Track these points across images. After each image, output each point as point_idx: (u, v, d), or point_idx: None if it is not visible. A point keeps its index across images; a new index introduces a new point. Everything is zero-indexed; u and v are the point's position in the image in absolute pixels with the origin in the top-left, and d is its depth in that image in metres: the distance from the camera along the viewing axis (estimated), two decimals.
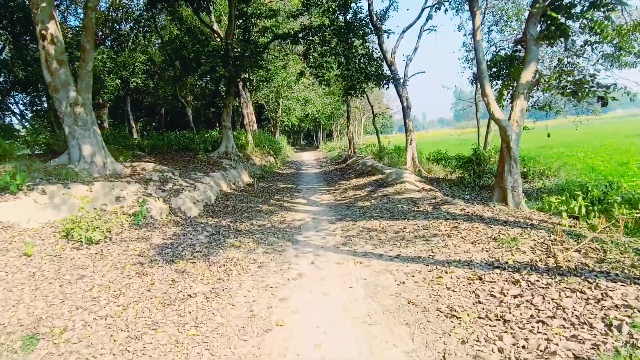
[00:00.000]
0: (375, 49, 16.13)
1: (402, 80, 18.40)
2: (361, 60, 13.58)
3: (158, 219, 8.05)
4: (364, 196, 10.51)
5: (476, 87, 20.36)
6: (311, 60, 13.33)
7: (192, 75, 13.55)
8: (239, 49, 13.78)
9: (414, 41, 18.86)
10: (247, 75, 15.67)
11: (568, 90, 9.44)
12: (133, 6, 26.22)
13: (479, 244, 5.19)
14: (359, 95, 16.62)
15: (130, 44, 29.85)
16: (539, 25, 9.40)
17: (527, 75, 9.10)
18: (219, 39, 13.05)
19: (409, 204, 8.47)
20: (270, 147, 24.57)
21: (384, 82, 14.18)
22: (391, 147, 22.05)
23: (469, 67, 20.17)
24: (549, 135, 10.83)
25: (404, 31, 17.62)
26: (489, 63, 12.27)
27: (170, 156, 14.83)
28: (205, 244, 6.74)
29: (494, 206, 8.72)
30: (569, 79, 9.44)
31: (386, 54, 15.75)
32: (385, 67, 15.07)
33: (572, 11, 8.79)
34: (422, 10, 17.93)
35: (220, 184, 12.40)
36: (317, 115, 44.01)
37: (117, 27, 27.88)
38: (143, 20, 17.65)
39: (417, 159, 18.71)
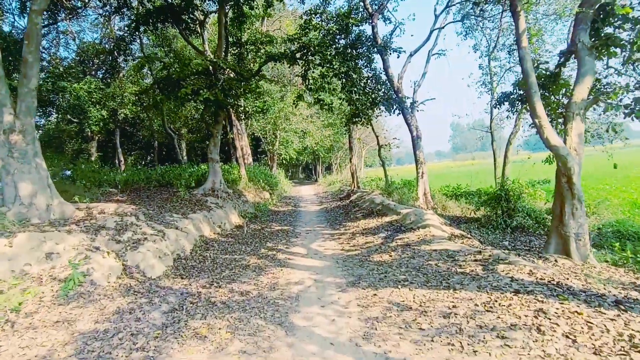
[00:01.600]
0: (381, 73, 14.49)
1: (410, 108, 16.72)
2: (367, 83, 11.85)
3: (102, 284, 5.83)
4: (379, 245, 8.32)
5: (491, 116, 18.68)
6: (310, 81, 11.59)
7: (172, 99, 11.68)
8: (228, 71, 12.07)
9: (421, 66, 17.33)
10: (238, 103, 13.88)
11: (627, 111, 7.54)
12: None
13: (608, 355, 3.00)
14: (365, 124, 14.84)
15: (121, 75, 28.64)
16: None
17: (582, 92, 7.22)
18: (207, 61, 11.31)
19: (445, 259, 6.28)
20: (266, 182, 22.55)
21: (395, 107, 12.37)
22: (398, 181, 20.06)
23: (487, 92, 18.54)
24: (615, 167, 8.80)
25: (411, 55, 16.10)
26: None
27: (147, 194, 12.73)
28: (156, 331, 4.49)
29: (555, 261, 6.56)
30: (635, 95, 7.56)
31: (392, 79, 14.06)
32: (392, 94, 13.34)
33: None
34: (430, 32, 16.52)
35: (202, 228, 10.22)
36: (316, 148, 42.41)
37: (110, 58, 26.65)
38: (125, 43, 16.10)
39: (430, 194, 16.69)
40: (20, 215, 7.31)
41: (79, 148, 32.76)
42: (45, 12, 22.18)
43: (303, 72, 11.45)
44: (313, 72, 11.61)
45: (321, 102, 11.93)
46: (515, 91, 11.55)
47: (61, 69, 26.99)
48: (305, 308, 5.04)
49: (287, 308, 5.08)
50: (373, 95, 12.06)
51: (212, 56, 11.45)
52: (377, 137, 17.82)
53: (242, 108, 16.09)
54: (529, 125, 10.66)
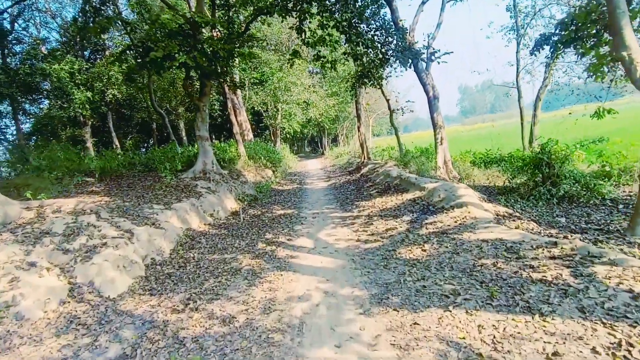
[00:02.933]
0: (390, 23, 12.25)
1: (426, 63, 14.57)
2: (376, 34, 9.77)
3: (34, 317, 4.24)
4: (405, 233, 6.56)
5: (517, 69, 16.40)
6: (307, 34, 9.52)
7: (145, 68, 9.76)
8: (215, 33, 10.05)
9: (434, 16, 15.02)
10: (226, 70, 11.88)
11: None
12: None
13: None
14: (375, 85, 12.84)
15: (107, 53, 26.54)
16: None
17: None
18: (180, 16, 9.29)
19: (505, 257, 4.51)
20: (268, 159, 20.78)
21: (412, 58, 10.25)
22: (412, 149, 18.10)
23: (515, 39, 16.17)
24: None
25: (423, 2, 13.77)
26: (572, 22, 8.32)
27: (129, 181, 11.07)
28: None
29: None
30: None
31: (404, 30, 11.85)
32: (406, 46, 11.15)
33: None
34: None
35: (188, 220, 8.57)
36: (320, 120, 40.26)
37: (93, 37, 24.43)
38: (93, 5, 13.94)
39: (451, 162, 14.79)
40: None
41: (72, 135, 31.15)
42: None
43: (297, 23, 9.37)
44: (310, 22, 9.53)
45: (322, 59, 9.90)
46: (557, 32, 9.50)
47: (43, 51, 25.03)
48: (314, 350, 3.36)
49: (285, 350, 3.41)
50: (383, 50, 9.98)
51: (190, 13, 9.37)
52: (387, 100, 15.76)
53: (231, 77, 14.04)
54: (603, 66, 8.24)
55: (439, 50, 10.67)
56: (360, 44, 8.99)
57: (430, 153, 15.62)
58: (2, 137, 27.32)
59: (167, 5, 9.39)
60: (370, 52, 9.65)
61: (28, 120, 30.19)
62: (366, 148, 19.06)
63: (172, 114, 31.28)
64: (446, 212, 6.92)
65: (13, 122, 25.44)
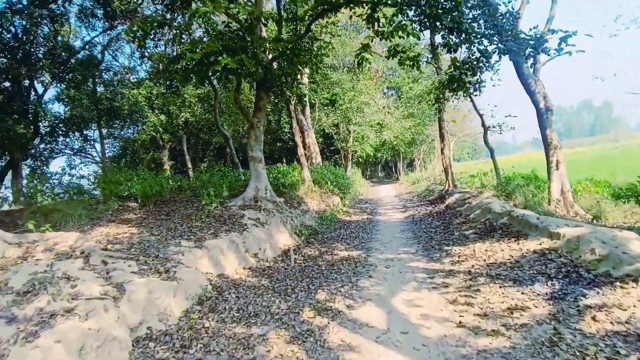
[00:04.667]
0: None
1: (532, 68, 11.54)
2: (477, 18, 7.19)
3: None
4: (549, 325, 3.75)
5: None
6: (382, 22, 7.32)
7: (188, 79, 8.35)
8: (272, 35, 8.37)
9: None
10: (286, 80, 10.15)
11: None
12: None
13: None
14: (466, 93, 10.14)
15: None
16: None
17: None
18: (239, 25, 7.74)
19: None
20: (336, 184, 18.68)
21: (531, 49, 7.35)
22: (511, 174, 14.61)
23: None
24: None
25: None
26: None
27: (171, 208, 9.62)
28: None
29: None
30: None
31: (515, 17, 9.02)
32: (519, 32, 8.31)
33: None
34: None
35: (223, 262, 6.62)
36: (395, 143, 37.49)
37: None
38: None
39: (571, 192, 11.28)
40: None
41: (152, 158, 32.38)
42: (100, 16, 21.14)
43: (368, 11, 7.20)
44: (382, 9, 7.31)
45: (400, 54, 7.57)
46: None
47: (131, 80, 26.48)
48: None
49: None
50: (486, 40, 7.30)
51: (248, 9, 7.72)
52: (481, 115, 12.79)
53: (295, 91, 12.32)
54: None
55: (565, 43, 7.58)
56: (457, 31, 6.52)
57: (540, 181, 12.17)
58: (94, 161, 28.83)
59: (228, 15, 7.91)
60: (474, 41, 7.03)
61: (118, 144, 32.08)
62: (451, 174, 15.99)
63: (244, 137, 31.06)
64: (620, 286, 3.96)
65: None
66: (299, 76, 18.76)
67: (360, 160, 39.73)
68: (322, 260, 7.67)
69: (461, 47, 8.18)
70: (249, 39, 7.63)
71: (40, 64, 17.01)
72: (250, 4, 7.77)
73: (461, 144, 47.14)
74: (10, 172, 16.91)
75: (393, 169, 56.09)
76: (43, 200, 8.77)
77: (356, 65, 8.29)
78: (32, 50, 17.09)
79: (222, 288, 5.85)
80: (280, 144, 35.52)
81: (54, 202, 8.51)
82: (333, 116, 28.50)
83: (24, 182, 15.42)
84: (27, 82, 17.48)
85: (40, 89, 18.80)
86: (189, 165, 30.13)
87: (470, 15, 7.48)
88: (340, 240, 9.83)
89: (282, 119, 32.02)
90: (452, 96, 11.73)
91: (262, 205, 9.66)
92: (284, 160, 37.26)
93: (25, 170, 18.80)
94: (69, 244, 5.32)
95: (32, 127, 17.04)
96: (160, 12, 13.63)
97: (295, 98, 12.37)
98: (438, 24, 6.80)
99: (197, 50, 6.88)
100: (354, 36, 29.55)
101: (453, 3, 6.58)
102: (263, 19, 7.32)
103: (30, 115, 16.53)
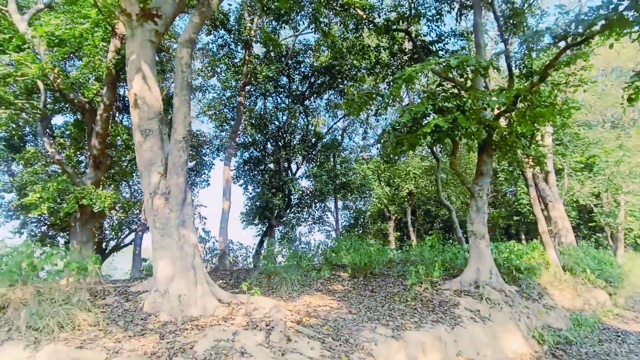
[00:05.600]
0: None
1: None
2: None
3: None
4: None
5: None
6: None
7: (400, 147, 7.84)
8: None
9: None
10: (521, 139, 8.34)
11: None
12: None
13: None
14: None
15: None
16: None
17: None
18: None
19: None
20: (600, 273, 13.83)
21: None
22: None
23: None
24: None
25: None
26: None
27: (380, 283, 8.94)
28: None
29: None
30: None
31: None
32: None
33: None
34: None
35: None
36: None
37: None
38: None
39: None
40: (154, 306, 5.28)
41: (379, 228, 33.88)
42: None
43: None
44: None
45: None
46: None
47: (365, 157, 29.59)
48: None
49: None
50: None
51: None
52: None
53: (534, 153, 10.03)
54: None
55: None
56: None
57: None
58: (331, 229, 32.29)
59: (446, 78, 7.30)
60: None
61: (351, 215, 35.44)
62: None
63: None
64: None
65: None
66: (538, 136, 15.82)
67: (638, 240, 29.00)
68: None
69: None
70: (466, 95, 6.63)
71: (295, 148, 20.83)
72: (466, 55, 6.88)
73: None
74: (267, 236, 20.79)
75: None
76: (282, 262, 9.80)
77: (625, 101, 5.76)
78: (290, 137, 21.42)
79: None
80: (518, 217, 30.61)
81: (283, 266, 9.31)
82: (591, 184, 22.43)
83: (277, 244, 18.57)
84: (285, 164, 21.81)
85: (294, 169, 23.00)
86: (412, 238, 29.68)
87: None
88: None
89: (519, 188, 27.82)
90: None
91: (485, 293, 7.66)
92: (523, 237, 31.72)
93: (277, 235, 22.76)
94: (265, 311, 5.31)
95: (286, 199, 20.76)
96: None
97: (530, 162, 10.07)
98: None
99: (405, 113, 6.42)
100: (618, 82, 23.52)
101: None
102: (481, 70, 6.21)
103: (285, 189, 20.14)
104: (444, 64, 5.85)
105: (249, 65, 15.31)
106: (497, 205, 33.28)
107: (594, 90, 23.57)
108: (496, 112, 7.91)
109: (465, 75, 7.06)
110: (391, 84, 10.64)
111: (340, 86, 18.25)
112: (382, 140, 9.71)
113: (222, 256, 12.46)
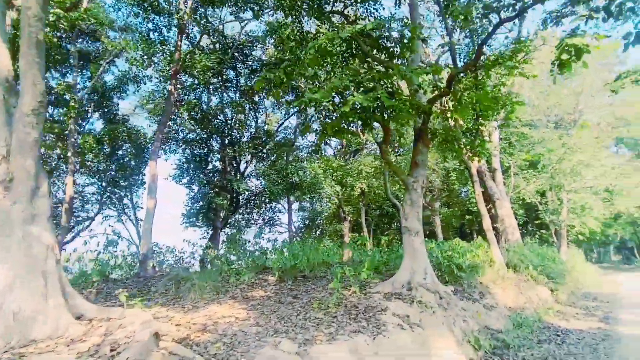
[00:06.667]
0: None
1: None
2: None
3: None
4: None
5: None
6: None
7: (326, 133, 6.99)
8: None
9: None
10: (464, 132, 7.71)
11: None
12: None
13: None
14: None
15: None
16: None
17: None
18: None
19: None
20: (543, 269, 13.75)
21: None
22: None
23: None
24: None
25: None
26: None
27: (310, 286, 8.03)
28: None
29: None
30: None
31: None
32: None
33: None
34: None
35: None
36: (636, 215, 27.37)
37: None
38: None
39: None
40: None
41: (334, 230, 33.12)
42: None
43: None
44: None
45: None
46: None
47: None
48: None
49: None
50: None
51: None
52: None
53: (476, 147, 9.54)
54: None
55: None
56: None
57: None
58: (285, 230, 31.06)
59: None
60: None
61: (307, 217, 34.41)
62: None
63: (426, 209, 28.33)
64: None
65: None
66: (485, 132, 15.58)
67: (581, 237, 30.22)
68: None
69: None
70: (392, 68, 5.85)
71: (244, 146, 19.44)
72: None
73: None
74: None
75: (635, 251, 41.19)
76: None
77: (556, 68, 5.16)
78: (239, 135, 20.10)
79: None
80: (470, 216, 30.90)
81: (196, 272, 8.19)
82: (535, 181, 22.89)
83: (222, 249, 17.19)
84: (234, 163, 20.47)
85: (243, 167, 21.64)
86: (367, 237, 29.16)
87: None
88: None
89: (471, 187, 28.11)
90: None
91: (417, 296, 6.94)
92: (476, 236, 32.16)
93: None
94: (132, 329, 4.20)
95: (232, 199, 19.45)
96: None
97: (470, 154, 9.57)
98: None
99: (321, 90, 5.55)
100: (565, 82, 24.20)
101: None
102: (406, 40, 5.41)
103: (230, 189, 18.80)
104: (359, 30, 5.04)
105: (180, 51, 13.98)
106: (451, 204, 33.50)
107: (539, 90, 24.19)
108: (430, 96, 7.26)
109: (391, 50, 6.33)
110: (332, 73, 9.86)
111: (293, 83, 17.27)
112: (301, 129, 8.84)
113: (143, 261, 11.11)
